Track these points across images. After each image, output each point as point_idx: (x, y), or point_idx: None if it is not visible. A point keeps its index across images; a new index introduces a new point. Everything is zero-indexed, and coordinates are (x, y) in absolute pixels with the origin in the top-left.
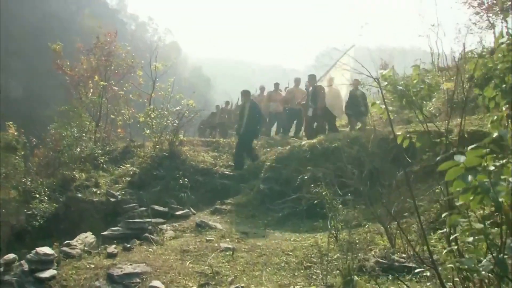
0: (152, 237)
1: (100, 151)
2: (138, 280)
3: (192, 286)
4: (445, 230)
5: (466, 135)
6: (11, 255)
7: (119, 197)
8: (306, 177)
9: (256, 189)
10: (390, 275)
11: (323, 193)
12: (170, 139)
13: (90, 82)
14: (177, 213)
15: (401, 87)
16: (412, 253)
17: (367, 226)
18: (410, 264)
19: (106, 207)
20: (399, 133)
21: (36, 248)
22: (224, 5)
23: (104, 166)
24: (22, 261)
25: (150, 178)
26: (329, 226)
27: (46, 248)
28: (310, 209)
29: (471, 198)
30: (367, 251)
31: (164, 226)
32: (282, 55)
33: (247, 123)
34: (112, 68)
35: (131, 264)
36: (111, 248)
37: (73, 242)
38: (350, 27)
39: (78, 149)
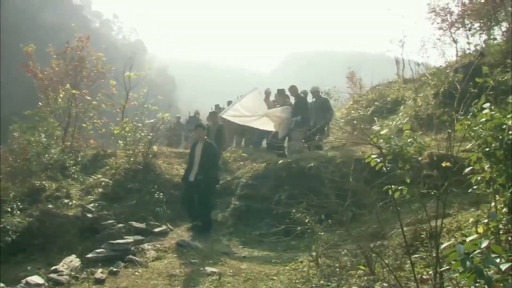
0: (136, 259)
1: (72, 161)
2: None
3: None
4: None
5: (435, 158)
6: (0, 284)
7: (95, 213)
8: (283, 196)
9: (232, 206)
10: None
11: (302, 216)
12: (144, 151)
13: (60, 87)
14: (155, 230)
15: (395, 145)
16: (392, 282)
17: (344, 250)
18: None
19: (82, 222)
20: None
21: (26, 278)
22: (191, 6)
23: (75, 175)
24: None
25: (124, 191)
26: (311, 250)
27: (36, 277)
28: (287, 227)
29: (468, 275)
30: (349, 278)
31: (145, 246)
32: (246, 58)
33: (207, 163)
34: (83, 74)
35: None
36: (98, 273)
37: (59, 267)
38: (314, 32)
39: (47, 156)
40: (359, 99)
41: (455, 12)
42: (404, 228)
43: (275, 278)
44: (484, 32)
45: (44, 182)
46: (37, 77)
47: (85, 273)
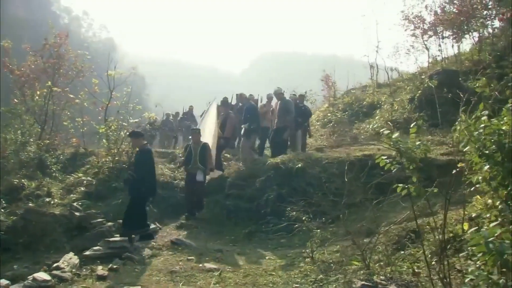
0: (134, 256)
1: (53, 159)
2: None
3: None
4: None
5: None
6: (5, 281)
7: (82, 212)
8: (271, 196)
9: (220, 205)
10: None
11: (297, 215)
12: (128, 150)
13: (36, 84)
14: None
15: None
16: (388, 275)
17: (337, 246)
18: (391, 286)
19: (70, 221)
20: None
21: (33, 275)
22: (163, 5)
23: (55, 174)
24: (12, 286)
25: (109, 190)
26: (305, 246)
27: (42, 273)
28: (275, 226)
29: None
30: (346, 273)
31: (138, 244)
32: (218, 57)
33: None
34: (60, 71)
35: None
36: (100, 270)
37: (61, 264)
38: (286, 34)
39: (26, 154)
40: (334, 102)
41: (427, 20)
42: (394, 226)
43: (273, 273)
44: (455, 40)
45: (23, 180)
46: (13, 73)
47: (85, 269)
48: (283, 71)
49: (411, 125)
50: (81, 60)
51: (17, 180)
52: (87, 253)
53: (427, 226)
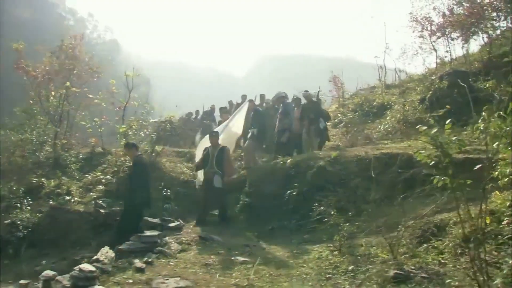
0: (166, 250)
1: (73, 158)
2: None
3: None
4: None
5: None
6: (51, 272)
7: (107, 209)
8: (294, 193)
9: (242, 203)
10: (409, 285)
11: (326, 210)
12: (149, 150)
13: (51, 84)
14: (170, 225)
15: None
16: (416, 265)
17: (364, 240)
18: (423, 275)
19: (95, 218)
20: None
21: (79, 266)
22: (166, 7)
23: (74, 173)
24: (59, 277)
25: None
26: (332, 240)
27: (87, 265)
28: (298, 222)
29: None
30: (375, 264)
31: (167, 239)
32: (220, 59)
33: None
34: (75, 72)
35: (167, 279)
36: (138, 263)
37: (100, 257)
38: (289, 34)
39: (43, 154)
40: (344, 103)
41: (435, 21)
42: (416, 221)
43: (304, 265)
44: (463, 41)
45: (42, 179)
46: (28, 74)
47: (121, 262)
48: (287, 73)
49: (420, 125)
50: (96, 62)
51: (35, 179)
52: (122, 247)
53: (453, 219)
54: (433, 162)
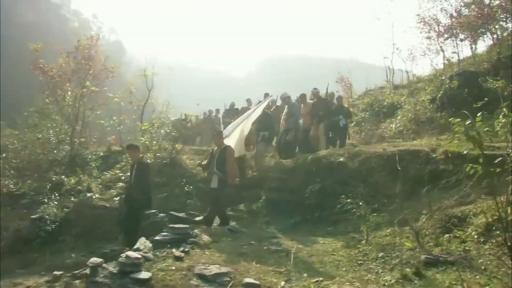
0: (199, 241)
1: (93, 156)
2: (228, 278)
3: (278, 281)
4: None
5: (449, 155)
6: (98, 259)
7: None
8: (316, 187)
9: (264, 198)
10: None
11: (354, 202)
12: (169, 147)
13: (68, 84)
14: (196, 219)
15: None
16: (444, 251)
17: (388, 229)
18: (451, 259)
19: (120, 213)
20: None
21: (126, 253)
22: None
23: (95, 170)
24: (105, 265)
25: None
26: (361, 230)
27: (132, 252)
28: (320, 216)
29: None
30: (402, 251)
31: (197, 231)
32: (222, 61)
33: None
34: (91, 72)
35: (208, 266)
36: (177, 252)
37: (140, 246)
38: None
39: (63, 152)
40: (353, 103)
41: (442, 22)
42: (437, 213)
43: (334, 254)
44: (472, 42)
45: (62, 176)
46: (46, 74)
47: (158, 252)
48: (289, 75)
49: (452, 118)
50: (111, 62)
51: (55, 177)
52: (157, 238)
53: (473, 211)
54: (465, 152)
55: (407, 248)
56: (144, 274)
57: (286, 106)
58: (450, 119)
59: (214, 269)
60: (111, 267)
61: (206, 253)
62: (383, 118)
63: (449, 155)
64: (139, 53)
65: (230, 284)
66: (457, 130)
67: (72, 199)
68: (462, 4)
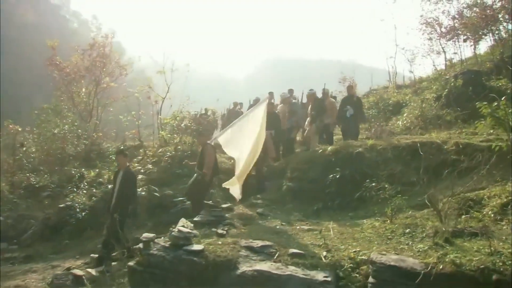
0: (234, 223)
1: (113, 149)
2: (273, 250)
3: (319, 252)
4: None
5: (460, 146)
6: (150, 234)
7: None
8: (337, 176)
9: (285, 187)
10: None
11: (380, 186)
12: (190, 140)
13: (82, 81)
14: (223, 205)
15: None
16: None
17: (409, 212)
18: (474, 230)
19: (149, 201)
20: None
21: (177, 227)
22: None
23: (113, 164)
24: (157, 240)
25: (172, 176)
26: (385, 210)
27: (183, 227)
28: (340, 203)
29: None
30: (427, 228)
31: (228, 215)
32: (222, 62)
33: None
34: (104, 70)
35: (251, 241)
36: (219, 230)
37: (184, 225)
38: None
39: (83, 146)
40: None
41: (444, 23)
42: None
43: (363, 231)
44: (475, 43)
45: (82, 169)
46: (62, 71)
47: (198, 231)
48: (287, 76)
49: (479, 103)
50: (126, 60)
51: (75, 169)
52: (196, 219)
53: (487, 194)
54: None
55: (430, 226)
56: (197, 246)
57: (288, 105)
58: (477, 104)
59: (259, 242)
60: (162, 242)
61: (243, 230)
62: (389, 116)
63: (460, 146)
64: (138, 53)
65: (277, 254)
66: (485, 112)
67: (94, 190)
68: (464, 6)
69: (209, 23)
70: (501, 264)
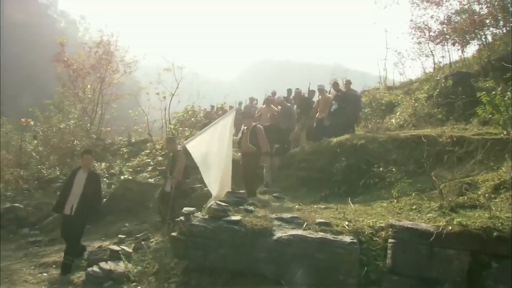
0: (256, 203)
1: (125, 142)
2: (301, 221)
3: (342, 223)
4: None
5: (454, 139)
6: (191, 208)
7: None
8: (344, 165)
9: (294, 176)
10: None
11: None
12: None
13: (87, 78)
14: (241, 191)
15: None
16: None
17: (412, 193)
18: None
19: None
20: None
21: (216, 201)
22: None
23: (123, 157)
24: (196, 213)
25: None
26: (388, 196)
27: (218, 202)
28: (347, 190)
29: None
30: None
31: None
32: (208, 64)
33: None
34: (109, 67)
35: (279, 214)
36: (247, 206)
37: (214, 202)
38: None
39: (92, 141)
40: None
41: (433, 28)
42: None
43: (373, 210)
44: (463, 46)
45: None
46: (70, 68)
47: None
48: (274, 79)
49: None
50: (131, 56)
51: None
52: (222, 199)
53: (480, 179)
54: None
55: (434, 203)
56: (235, 217)
57: (281, 108)
58: (477, 94)
59: (288, 214)
60: (201, 215)
61: (268, 209)
62: (382, 115)
63: (454, 139)
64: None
65: (305, 224)
66: (483, 100)
67: (107, 181)
68: (452, 12)
69: (198, 26)
70: (500, 224)
